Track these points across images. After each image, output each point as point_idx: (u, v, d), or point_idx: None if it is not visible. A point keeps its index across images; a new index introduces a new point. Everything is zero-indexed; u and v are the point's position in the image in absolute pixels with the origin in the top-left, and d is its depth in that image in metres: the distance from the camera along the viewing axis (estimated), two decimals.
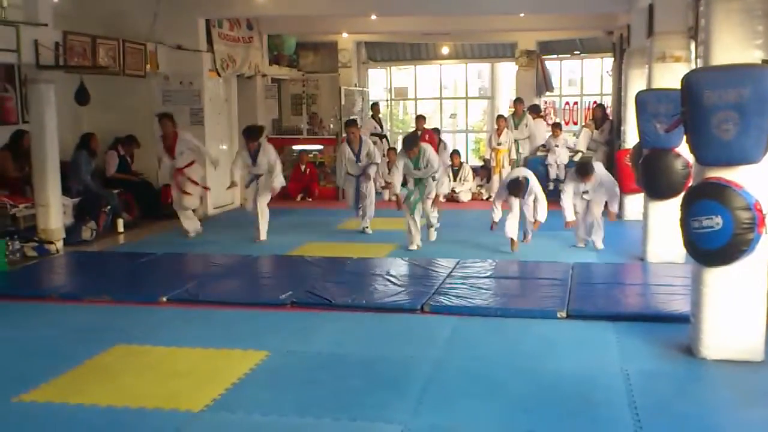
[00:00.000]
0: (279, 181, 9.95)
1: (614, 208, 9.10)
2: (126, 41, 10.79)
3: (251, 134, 10.00)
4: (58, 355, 5.50)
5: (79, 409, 4.55)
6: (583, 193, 8.95)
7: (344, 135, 10.84)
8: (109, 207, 10.57)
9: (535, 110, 14.77)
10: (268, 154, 9.94)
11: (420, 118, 14.81)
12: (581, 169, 8.98)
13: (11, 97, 10.47)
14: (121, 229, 10.57)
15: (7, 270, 8.18)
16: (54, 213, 9.29)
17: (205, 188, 10.75)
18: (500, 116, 14.39)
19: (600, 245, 8.97)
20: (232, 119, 13.28)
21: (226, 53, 12.84)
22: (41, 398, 4.72)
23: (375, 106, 15.88)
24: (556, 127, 14.06)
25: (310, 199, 14.17)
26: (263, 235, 9.94)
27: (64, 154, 9.94)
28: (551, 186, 12.75)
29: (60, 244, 9.27)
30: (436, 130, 15.74)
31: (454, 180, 13.98)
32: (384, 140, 15.47)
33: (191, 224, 10.43)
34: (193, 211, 10.63)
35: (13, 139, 9.91)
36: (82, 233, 9.82)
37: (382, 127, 15.79)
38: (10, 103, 10.46)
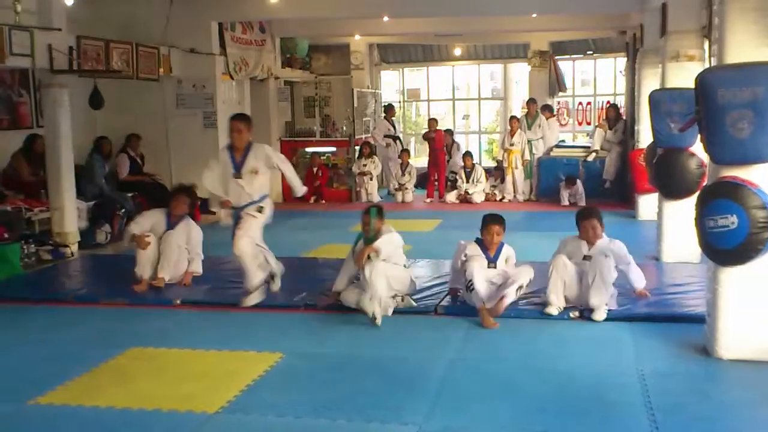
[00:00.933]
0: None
1: (639, 282, 6.52)
2: (139, 45, 10.84)
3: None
4: (73, 358, 5.53)
5: (95, 411, 4.58)
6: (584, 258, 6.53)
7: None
8: (123, 210, 10.60)
9: (549, 110, 14.73)
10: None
11: (432, 121, 14.84)
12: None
13: (26, 101, 10.54)
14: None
15: (23, 273, 8.23)
16: (69, 216, 9.34)
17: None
18: (513, 117, 14.38)
19: (601, 315, 6.14)
20: None
21: (238, 56, 12.88)
22: (57, 401, 4.75)
23: (390, 108, 15.88)
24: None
25: (323, 201, 14.18)
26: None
27: (78, 157, 9.99)
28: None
29: (75, 248, 9.31)
30: (449, 132, 15.76)
31: (467, 181, 13.97)
32: (397, 142, 15.49)
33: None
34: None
35: (28, 143, 9.98)
36: (96, 236, 9.87)
37: (395, 128, 15.81)
38: (24, 107, 10.53)
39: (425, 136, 14.86)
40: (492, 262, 6.56)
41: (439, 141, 14.52)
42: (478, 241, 6.64)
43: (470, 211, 12.72)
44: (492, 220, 6.65)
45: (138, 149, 11.68)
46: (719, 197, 5.05)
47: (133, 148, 11.59)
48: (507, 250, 6.73)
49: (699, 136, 5.26)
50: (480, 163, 15.46)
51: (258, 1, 11.59)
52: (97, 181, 10.57)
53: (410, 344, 5.75)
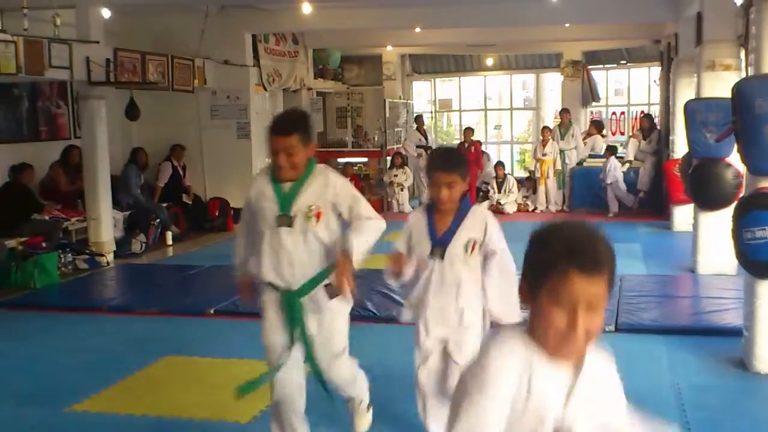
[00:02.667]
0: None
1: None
2: (174, 57, 10.98)
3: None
4: (108, 366, 5.59)
5: (129, 419, 4.62)
6: None
7: None
8: (158, 220, 10.74)
9: (598, 126, 14.60)
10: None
11: (468, 131, 14.81)
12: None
13: (63, 113, 10.72)
14: (170, 241, 10.71)
15: (60, 282, 8.35)
16: (105, 226, 9.47)
17: None
18: (545, 127, 14.32)
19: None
20: None
21: (272, 67, 12.98)
22: (93, 408, 4.80)
23: (419, 119, 15.91)
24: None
25: None
26: None
27: (114, 168, 10.15)
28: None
29: (111, 257, 9.44)
30: (479, 143, 15.74)
31: (499, 192, 13.93)
32: (429, 152, 15.50)
33: None
34: None
35: (65, 154, 10.15)
36: (132, 246, 9.99)
37: (427, 139, 15.81)
38: (62, 119, 10.71)
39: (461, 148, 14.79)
40: (439, 246, 3.77)
41: (475, 152, 14.51)
42: (429, 208, 3.91)
43: (502, 222, 12.59)
44: (439, 161, 3.79)
45: (181, 160, 11.83)
46: (757, 208, 4.98)
47: (176, 158, 11.74)
48: (474, 221, 3.81)
49: (736, 146, 5.20)
50: (512, 174, 15.39)
51: (291, 13, 11.68)
52: (133, 192, 10.72)
53: None
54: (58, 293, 8.02)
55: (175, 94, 11.34)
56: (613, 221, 12.09)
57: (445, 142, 18.23)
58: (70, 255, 8.93)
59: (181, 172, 11.80)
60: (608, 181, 12.89)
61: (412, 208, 13.81)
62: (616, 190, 13.05)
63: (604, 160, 13.32)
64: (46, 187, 9.95)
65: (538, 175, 13.79)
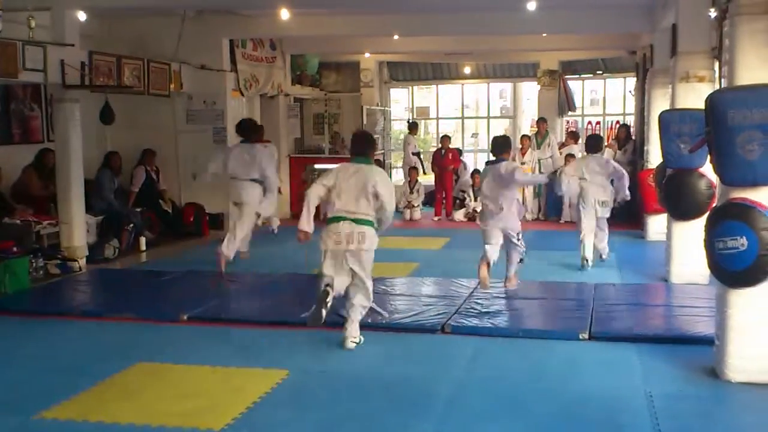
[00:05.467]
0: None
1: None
2: (150, 61, 10.90)
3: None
4: (79, 373, 5.52)
5: (99, 426, 4.56)
6: None
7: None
8: (131, 225, 10.64)
9: (574, 137, 14.67)
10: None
11: (445, 138, 14.86)
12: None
13: (37, 115, 10.60)
14: (143, 247, 10.62)
15: (31, 287, 8.24)
16: (77, 231, 9.37)
17: None
18: (524, 136, 14.39)
19: None
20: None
21: (249, 73, 12.93)
22: (62, 416, 4.74)
23: (415, 126, 15.93)
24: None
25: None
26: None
27: (88, 172, 10.04)
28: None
29: (83, 262, 9.33)
30: (459, 151, 15.80)
31: (475, 200, 13.96)
32: (418, 158, 15.55)
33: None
34: None
35: (38, 157, 10.03)
36: (105, 251, 9.89)
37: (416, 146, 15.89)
38: (35, 121, 10.59)
39: (437, 162, 14.73)
40: None
41: (454, 160, 14.56)
42: None
43: (478, 229, 12.68)
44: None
45: (153, 164, 11.74)
46: (729, 219, 5.03)
47: (149, 163, 11.65)
48: None
49: (709, 157, 5.25)
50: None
51: (269, 18, 11.65)
52: (106, 196, 10.61)
53: (417, 362, 5.73)
54: (29, 298, 7.92)
55: (151, 98, 11.26)
56: None
57: (421, 150, 18.27)
58: (41, 260, 8.81)
59: (154, 177, 11.71)
60: (558, 193, 12.79)
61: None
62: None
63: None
64: (18, 190, 9.83)
65: None
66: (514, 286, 7.79)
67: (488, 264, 7.49)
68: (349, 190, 6.02)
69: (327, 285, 6.02)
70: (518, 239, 7.66)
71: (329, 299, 5.96)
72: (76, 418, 4.70)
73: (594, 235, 9.03)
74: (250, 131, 9.12)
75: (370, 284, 6.11)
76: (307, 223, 6.16)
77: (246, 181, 8.87)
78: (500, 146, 7.69)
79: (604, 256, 9.34)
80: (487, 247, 7.51)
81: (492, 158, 7.88)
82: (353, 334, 6.06)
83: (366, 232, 5.99)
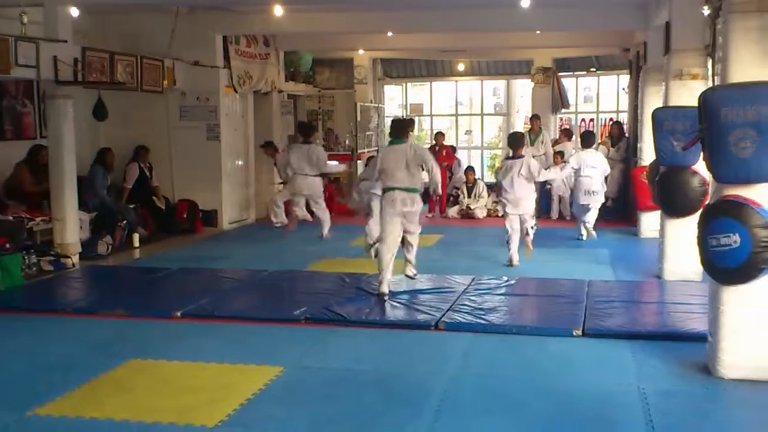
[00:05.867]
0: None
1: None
2: (144, 57, 10.88)
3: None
4: (72, 369, 5.51)
5: (93, 423, 4.56)
6: None
7: None
8: (125, 222, 10.63)
9: (567, 134, 14.68)
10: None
11: (439, 135, 14.84)
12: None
13: (30, 112, 10.56)
14: (136, 243, 10.61)
15: (23, 284, 8.22)
16: (70, 227, 9.35)
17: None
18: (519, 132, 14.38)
19: None
20: (248, 135, 13.34)
21: (242, 69, 12.91)
22: (56, 412, 4.73)
23: (410, 123, 15.90)
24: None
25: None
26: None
27: (81, 168, 10.01)
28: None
29: (76, 259, 9.31)
30: (453, 149, 15.78)
31: (469, 197, 13.98)
32: None
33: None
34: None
35: (31, 153, 10.00)
36: (98, 248, 9.87)
37: None
38: (28, 118, 10.55)
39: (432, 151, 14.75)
40: None
41: (448, 156, 14.54)
42: None
43: (472, 226, 12.72)
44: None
45: (147, 161, 11.71)
46: (722, 216, 5.04)
47: (142, 160, 11.62)
48: None
49: (702, 154, 5.26)
50: (482, 179, 15.45)
51: (262, 15, 11.63)
52: (99, 193, 10.58)
53: (411, 359, 5.73)
54: (22, 295, 7.90)
55: (144, 94, 11.24)
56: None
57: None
58: (34, 256, 8.78)
59: (147, 173, 11.68)
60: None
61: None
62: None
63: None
64: (10, 186, 9.79)
65: None
66: (530, 255, 9.22)
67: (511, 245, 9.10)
68: (394, 168, 7.59)
69: (375, 243, 8.33)
70: (532, 218, 9.26)
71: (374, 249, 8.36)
72: (69, 414, 4.69)
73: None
74: (311, 132, 11.03)
75: (418, 234, 7.94)
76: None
77: (310, 176, 10.41)
78: (517, 141, 9.41)
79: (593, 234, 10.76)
80: (510, 232, 9.10)
81: (510, 154, 9.40)
82: (413, 269, 7.97)
83: (415, 197, 7.62)
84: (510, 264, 9.07)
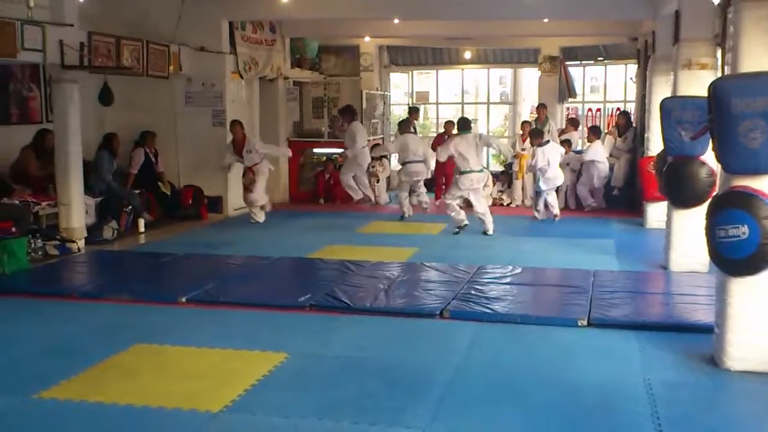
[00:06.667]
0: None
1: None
2: (150, 42, 10.84)
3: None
4: (78, 353, 5.52)
5: (98, 407, 4.56)
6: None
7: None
8: (130, 207, 10.63)
9: (574, 123, 14.60)
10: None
11: (449, 124, 14.77)
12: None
13: (35, 96, 10.55)
14: (142, 229, 10.62)
15: (29, 268, 8.23)
16: (76, 212, 9.35)
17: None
18: (525, 122, 14.34)
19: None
20: (253, 121, 13.31)
21: (248, 55, 12.87)
22: (61, 395, 4.74)
23: (415, 111, 15.84)
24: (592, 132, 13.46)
25: (329, 203, 14.16)
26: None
27: (87, 153, 10.01)
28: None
29: (81, 243, 9.32)
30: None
31: None
32: None
33: (261, 216, 11.53)
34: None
35: (37, 138, 9.98)
36: (103, 232, 9.88)
37: (415, 131, 15.73)
38: (34, 102, 10.54)
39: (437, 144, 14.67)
40: None
41: None
42: None
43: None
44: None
45: (153, 146, 11.69)
46: (730, 207, 5.02)
47: (148, 145, 11.60)
48: None
49: (711, 144, 5.23)
50: (487, 168, 15.39)
51: (269, 1, 11.59)
52: (105, 178, 10.59)
53: (415, 347, 5.73)
54: (28, 279, 7.91)
55: (150, 79, 11.20)
56: (587, 216, 12.16)
57: (421, 135, 18.24)
58: (40, 240, 8.79)
59: (153, 159, 11.66)
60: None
61: (389, 200, 13.81)
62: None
63: (580, 156, 13.32)
64: (16, 171, 9.78)
65: (516, 169, 13.76)
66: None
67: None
68: (469, 153, 10.17)
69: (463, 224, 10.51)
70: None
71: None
72: (74, 398, 4.70)
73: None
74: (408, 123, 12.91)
75: (484, 202, 10.85)
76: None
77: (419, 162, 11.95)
78: (539, 134, 12.04)
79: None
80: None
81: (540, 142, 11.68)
82: (490, 228, 10.43)
83: (482, 176, 10.55)
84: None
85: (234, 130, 11.39)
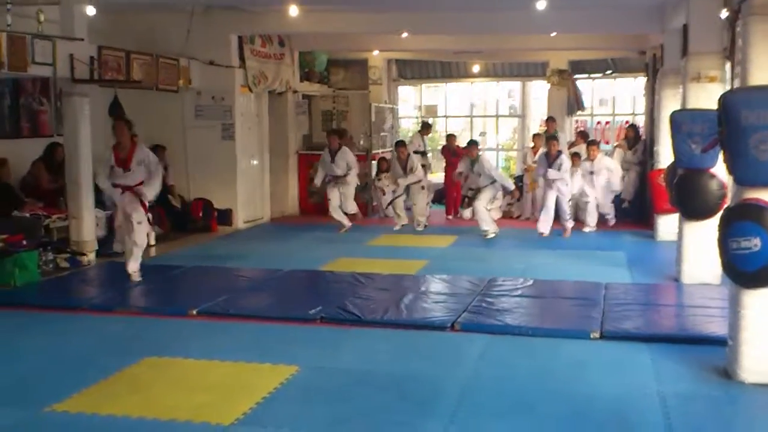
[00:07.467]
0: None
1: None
2: (159, 56, 10.90)
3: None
4: (89, 366, 5.52)
5: (110, 420, 4.56)
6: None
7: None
8: None
9: (584, 136, 14.47)
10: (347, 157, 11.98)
11: (451, 137, 14.81)
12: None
13: (46, 110, 10.59)
14: (152, 241, 10.59)
15: (40, 281, 8.25)
16: (87, 225, 9.37)
17: (150, 223, 8.85)
18: (536, 134, 14.29)
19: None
20: (263, 135, 13.35)
21: (258, 69, 12.92)
22: (73, 408, 4.74)
23: (426, 127, 15.85)
24: (590, 144, 12.87)
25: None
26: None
27: (97, 166, 10.02)
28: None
29: (92, 256, 9.34)
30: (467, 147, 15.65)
31: None
32: (425, 157, 15.35)
33: (134, 265, 8.41)
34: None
35: (48, 151, 10.04)
36: (114, 245, 9.88)
37: (425, 145, 15.74)
38: (44, 116, 10.59)
39: (449, 160, 14.62)
40: None
41: (457, 156, 14.45)
42: None
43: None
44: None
45: (163, 160, 11.72)
46: (742, 219, 5.00)
47: (158, 158, 11.60)
48: None
49: (721, 157, 5.22)
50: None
51: (278, 15, 11.63)
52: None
53: (426, 360, 5.71)
54: (39, 292, 7.92)
55: (160, 93, 11.26)
56: (597, 230, 12.11)
57: (430, 148, 18.25)
58: (51, 253, 8.82)
59: (163, 172, 11.67)
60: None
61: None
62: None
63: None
64: (27, 184, 9.83)
65: (527, 181, 13.73)
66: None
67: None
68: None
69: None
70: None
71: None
72: (86, 410, 4.70)
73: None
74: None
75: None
76: None
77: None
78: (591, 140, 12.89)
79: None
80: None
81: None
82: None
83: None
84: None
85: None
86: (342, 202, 12.15)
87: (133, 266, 8.35)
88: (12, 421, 4.57)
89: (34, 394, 4.97)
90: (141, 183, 8.32)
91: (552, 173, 11.29)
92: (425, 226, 12.31)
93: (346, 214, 12.14)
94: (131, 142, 8.49)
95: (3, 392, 5.05)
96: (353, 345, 6.09)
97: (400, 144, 12.95)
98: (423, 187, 12.55)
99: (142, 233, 8.42)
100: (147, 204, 8.44)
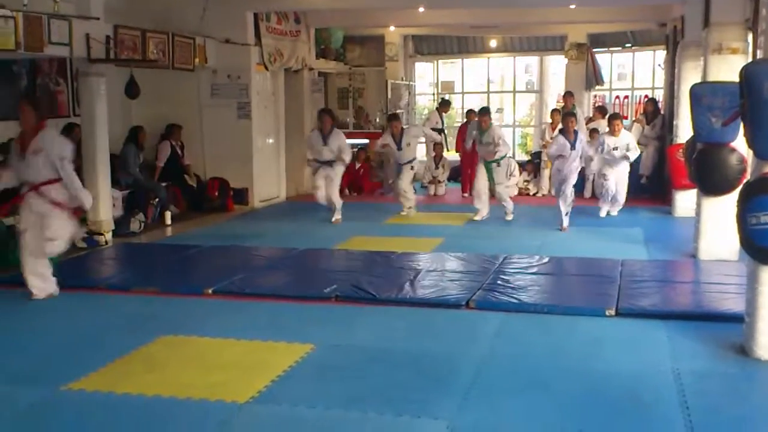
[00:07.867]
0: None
1: None
2: (175, 35, 10.88)
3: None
4: (105, 345, 5.56)
5: (126, 398, 4.59)
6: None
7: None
8: (157, 199, 10.71)
9: (602, 111, 14.34)
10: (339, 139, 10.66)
11: (471, 112, 14.69)
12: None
13: (63, 90, 10.64)
14: (168, 221, 10.68)
15: (57, 261, 8.28)
16: (103, 205, 9.42)
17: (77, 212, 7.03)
18: (555, 110, 14.17)
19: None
20: (279, 113, 13.33)
21: (273, 47, 12.88)
22: (89, 387, 4.77)
23: (445, 104, 15.75)
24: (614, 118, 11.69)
25: (355, 194, 14.13)
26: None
27: (113, 146, 10.08)
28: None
29: (109, 236, 9.40)
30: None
31: None
32: (441, 134, 15.29)
33: (38, 282, 6.83)
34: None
35: (65, 131, 10.05)
36: (130, 225, 9.95)
37: (443, 123, 15.68)
38: (61, 96, 10.63)
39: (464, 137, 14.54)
40: None
41: None
42: None
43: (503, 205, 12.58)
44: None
45: (179, 139, 11.76)
46: (762, 193, 4.93)
47: (174, 138, 11.67)
48: None
49: (742, 130, 5.13)
50: (513, 157, 15.30)
51: None
52: (132, 170, 10.66)
53: (441, 338, 5.70)
54: (56, 272, 7.91)
55: (176, 72, 11.25)
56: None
57: (446, 125, 18.15)
58: None
59: (179, 151, 11.73)
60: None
61: (414, 190, 13.75)
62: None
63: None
64: None
65: (544, 158, 13.62)
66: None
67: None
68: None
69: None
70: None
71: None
72: (102, 389, 4.73)
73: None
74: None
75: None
76: None
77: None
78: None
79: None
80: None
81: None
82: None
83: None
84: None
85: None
86: (328, 191, 10.67)
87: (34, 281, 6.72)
88: (29, 399, 4.61)
89: (50, 373, 5.01)
90: (51, 182, 6.67)
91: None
92: (410, 208, 11.36)
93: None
94: (38, 126, 6.74)
95: (20, 371, 5.09)
96: (368, 323, 6.09)
97: (393, 118, 11.92)
98: (412, 168, 11.44)
99: (56, 246, 6.83)
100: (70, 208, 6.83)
